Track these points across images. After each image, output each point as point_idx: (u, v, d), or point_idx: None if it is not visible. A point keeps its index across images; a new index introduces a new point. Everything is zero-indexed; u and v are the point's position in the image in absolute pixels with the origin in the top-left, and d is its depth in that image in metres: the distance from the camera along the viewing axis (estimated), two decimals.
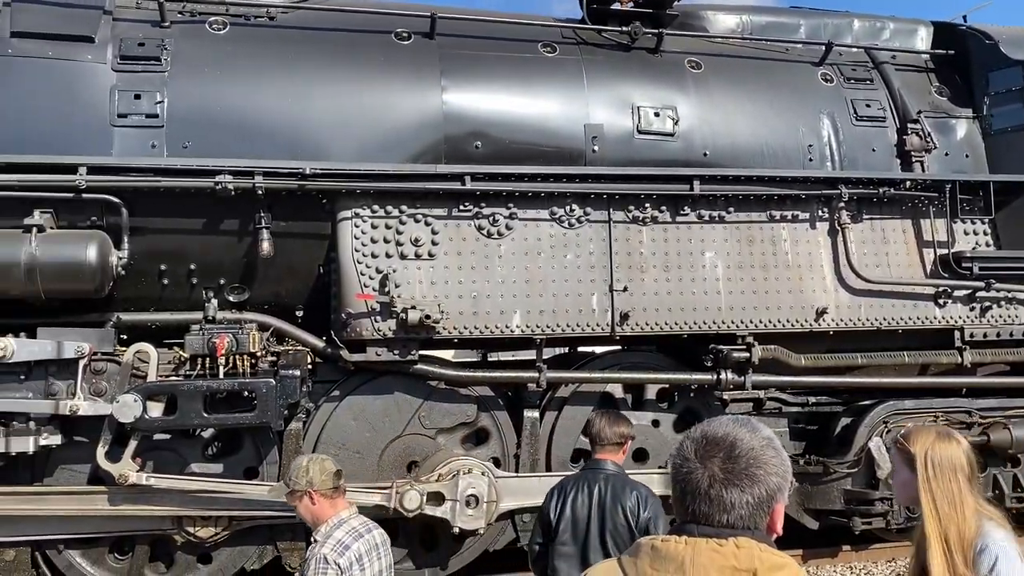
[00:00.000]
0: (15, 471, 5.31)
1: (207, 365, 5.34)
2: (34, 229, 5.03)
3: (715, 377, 6.09)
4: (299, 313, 5.96)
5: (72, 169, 5.14)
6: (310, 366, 5.65)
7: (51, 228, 5.15)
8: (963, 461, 2.62)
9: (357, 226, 5.63)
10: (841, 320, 6.29)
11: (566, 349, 7.31)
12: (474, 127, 5.90)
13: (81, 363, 5.14)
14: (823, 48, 6.97)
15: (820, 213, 6.36)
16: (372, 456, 5.75)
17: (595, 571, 1.76)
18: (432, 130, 5.84)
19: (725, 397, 6.21)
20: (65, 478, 5.41)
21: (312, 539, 3.60)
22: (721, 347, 6.08)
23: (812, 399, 6.59)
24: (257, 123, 5.57)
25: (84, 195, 5.16)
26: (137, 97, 5.36)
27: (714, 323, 6.10)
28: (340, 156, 5.69)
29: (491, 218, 5.80)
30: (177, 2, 5.71)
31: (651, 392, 6.35)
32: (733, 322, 6.10)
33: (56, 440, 5.17)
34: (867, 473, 6.26)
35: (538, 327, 5.79)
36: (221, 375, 5.27)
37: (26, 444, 5.05)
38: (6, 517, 5.18)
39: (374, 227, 5.66)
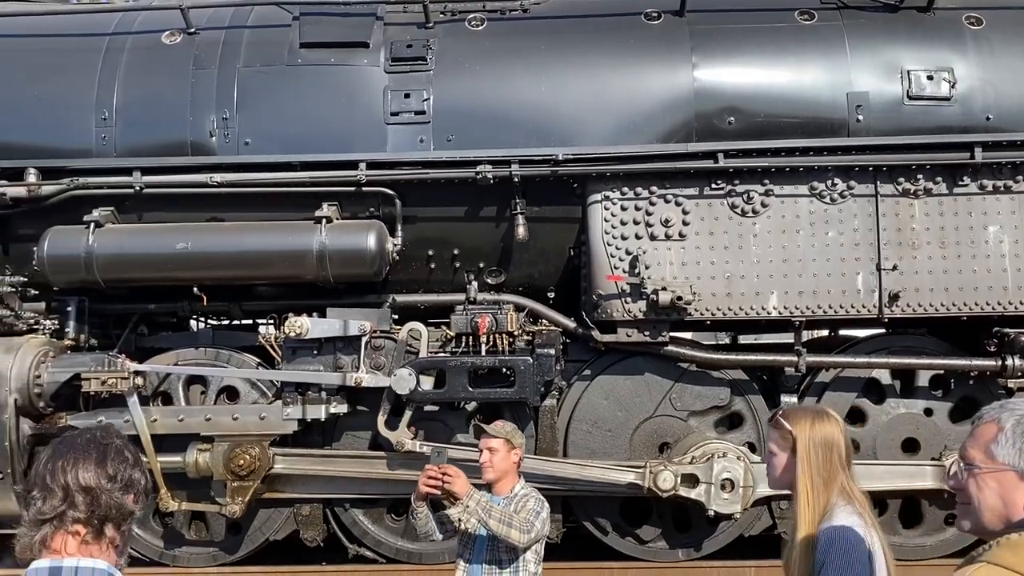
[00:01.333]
0: (309, 435, 5.99)
1: (470, 343, 5.70)
2: (323, 220, 5.62)
3: (999, 363, 5.52)
4: (551, 294, 6.17)
5: (354, 165, 5.67)
6: (562, 345, 5.84)
7: (337, 219, 5.73)
8: (840, 440, 2.51)
9: (607, 208, 5.72)
10: None
11: (825, 332, 6.96)
12: (727, 102, 5.76)
13: (363, 340, 5.68)
14: None
15: None
16: (623, 435, 5.84)
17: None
18: (683, 108, 5.77)
19: (1011, 385, 5.61)
20: (350, 443, 6.02)
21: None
22: (1007, 330, 5.50)
23: None
24: (513, 113, 5.82)
25: (364, 188, 5.68)
26: (407, 96, 5.79)
27: (999, 304, 5.52)
28: (590, 140, 5.79)
29: (745, 195, 5.65)
30: (439, 3, 6.08)
31: (923, 379, 5.88)
32: (1022, 303, 5.49)
33: (343, 409, 5.76)
34: None
35: (796, 308, 5.56)
36: (483, 352, 5.61)
37: (319, 412, 5.69)
38: (302, 476, 5.88)
39: (624, 209, 5.72)
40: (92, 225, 5.62)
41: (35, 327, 5.91)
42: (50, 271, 5.68)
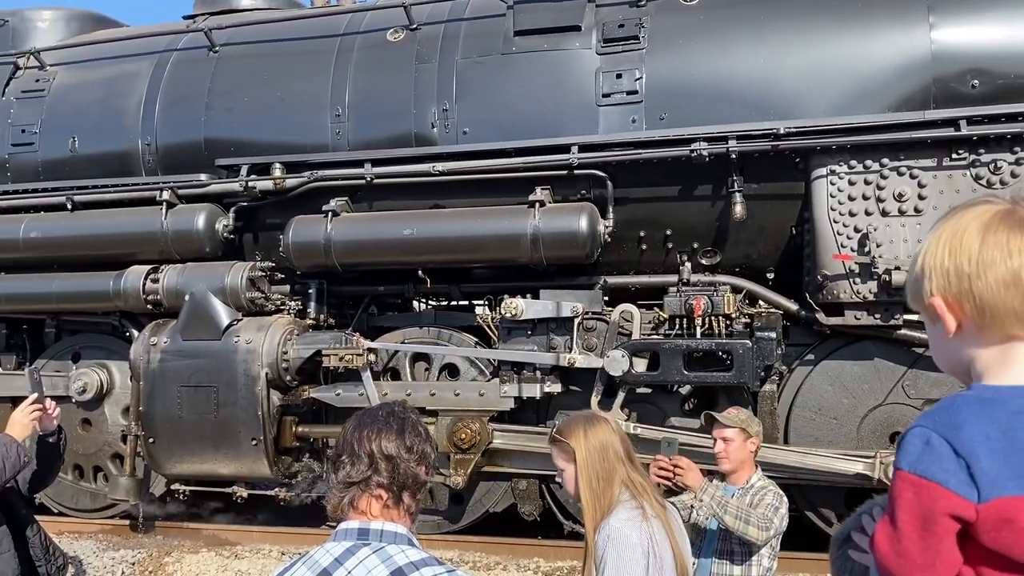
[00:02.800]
0: (524, 413, 6.18)
1: (684, 325, 5.62)
2: (536, 204, 5.75)
3: None
4: (769, 275, 5.94)
5: (566, 149, 5.74)
6: (782, 328, 5.61)
7: (549, 202, 5.83)
8: (612, 439, 2.54)
9: (833, 183, 5.40)
10: None
11: None
12: (970, 64, 5.25)
13: (575, 321, 5.76)
14: None
15: None
16: (850, 423, 5.53)
17: None
18: (918, 73, 5.32)
19: None
20: None
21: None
22: None
23: None
24: (729, 88, 5.63)
25: (575, 171, 5.74)
26: (619, 76, 5.77)
27: None
28: (813, 112, 5.49)
29: (991, 166, 5.13)
30: None
31: None
32: None
33: (556, 388, 5.88)
34: None
35: None
36: (698, 335, 5.51)
37: (534, 390, 5.85)
38: (519, 451, 6.07)
39: (851, 183, 5.38)
40: (329, 214, 6.09)
41: (281, 308, 6.52)
42: (294, 256, 6.23)
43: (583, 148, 5.73)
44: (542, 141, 5.83)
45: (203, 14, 7.29)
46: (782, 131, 5.32)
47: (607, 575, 2.34)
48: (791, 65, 5.58)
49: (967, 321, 1.17)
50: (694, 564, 3.64)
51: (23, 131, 7.14)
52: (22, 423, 3.04)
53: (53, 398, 3.73)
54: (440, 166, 5.95)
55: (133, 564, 6.07)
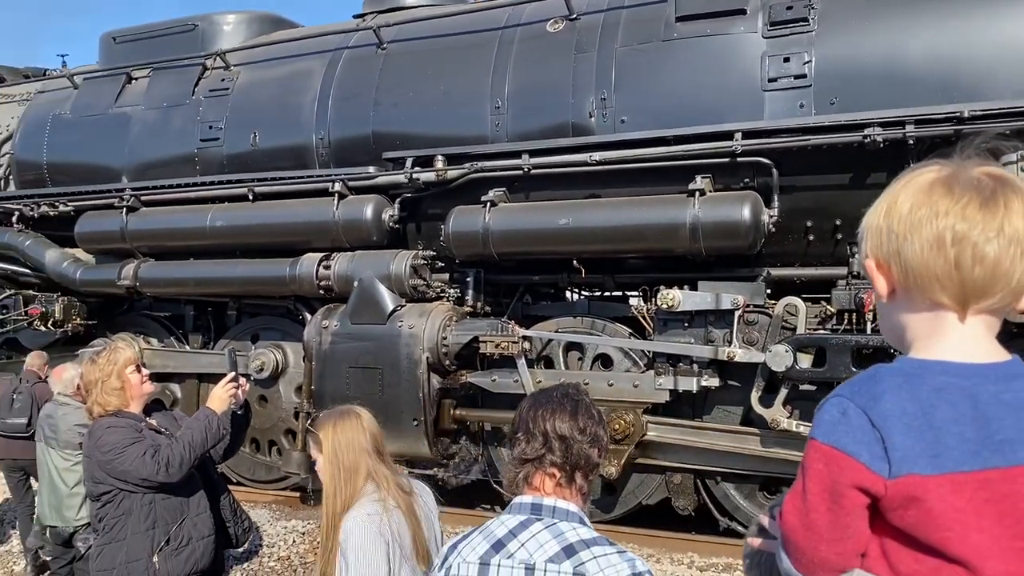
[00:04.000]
0: (679, 407, 6.09)
1: (853, 320, 5.35)
2: (696, 193, 5.63)
3: None
4: None
5: (728, 136, 5.59)
6: None
7: (710, 191, 5.70)
8: (358, 435, 2.59)
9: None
10: None
11: None
12: None
13: (736, 314, 5.61)
14: None
15: None
16: None
17: None
18: None
19: None
20: (720, 417, 6.01)
21: None
22: None
23: None
24: (906, 70, 5.29)
25: (739, 159, 5.57)
26: (786, 60, 5.55)
27: None
28: (1002, 93, 5.08)
29: None
30: None
31: None
32: None
33: (714, 382, 5.75)
34: None
35: None
36: (868, 330, 5.23)
37: (690, 383, 5.75)
38: (674, 445, 5.99)
39: None
40: (488, 204, 6.22)
41: (441, 295, 6.73)
42: (454, 245, 6.41)
43: (747, 135, 5.55)
44: (703, 128, 5.69)
45: (372, 12, 7.61)
46: (966, 114, 4.95)
47: (349, 565, 2.38)
48: (979, 44, 5.17)
49: (898, 286, 1.12)
50: None
51: (210, 127, 7.72)
52: (221, 398, 3.29)
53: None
54: (597, 155, 5.94)
55: (303, 534, 6.46)
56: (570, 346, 6.44)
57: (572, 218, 5.95)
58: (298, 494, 7.43)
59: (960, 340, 1.08)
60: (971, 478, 0.99)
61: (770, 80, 5.61)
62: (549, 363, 6.48)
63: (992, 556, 0.96)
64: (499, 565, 1.65)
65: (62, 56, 9.83)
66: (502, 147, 6.35)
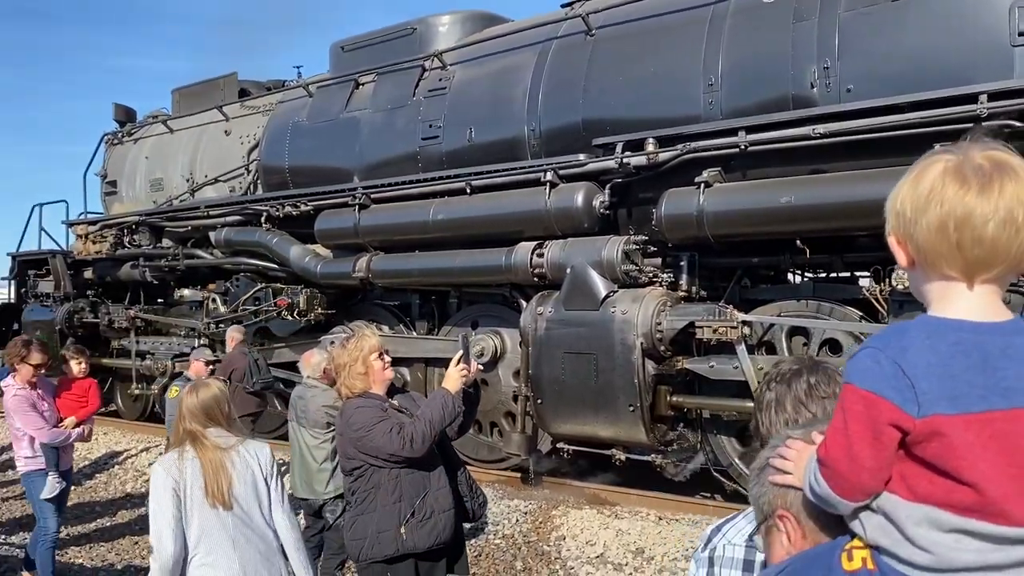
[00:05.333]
0: None
1: None
2: None
3: None
4: None
5: (971, 98, 5.08)
6: None
7: None
8: (191, 400, 3.31)
9: None
10: None
11: None
12: None
13: None
14: None
15: None
16: None
17: None
18: None
19: None
20: None
21: None
22: None
23: None
24: None
25: (984, 123, 5.05)
26: None
27: None
28: None
29: None
30: None
31: None
32: None
33: None
34: None
35: None
36: None
37: None
38: None
39: None
40: (702, 185, 6.08)
41: (654, 280, 6.67)
42: (667, 229, 6.33)
43: (993, 96, 5.02)
44: (941, 92, 5.21)
45: (580, 0, 7.66)
46: None
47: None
48: None
49: (916, 259, 1.28)
50: None
51: (430, 126, 8.13)
52: (455, 378, 3.48)
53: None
54: (821, 128, 5.61)
55: (525, 514, 6.68)
56: (794, 331, 6.16)
57: (795, 195, 5.68)
58: (519, 475, 7.68)
59: (969, 304, 1.26)
60: (979, 418, 1.19)
61: (1020, 34, 5.03)
62: (771, 349, 6.24)
63: (994, 480, 1.18)
64: None
65: (297, 67, 10.74)
66: (717, 125, 6.18)
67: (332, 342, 8.15)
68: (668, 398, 6.50)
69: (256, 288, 9.55)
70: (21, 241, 13.44)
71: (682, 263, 6.66)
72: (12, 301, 13.77)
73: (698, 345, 6.37)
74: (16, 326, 12.86)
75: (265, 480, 3.27)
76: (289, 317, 9.03)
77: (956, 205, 1.21)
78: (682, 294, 6.59)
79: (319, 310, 9.03)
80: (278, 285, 9.39)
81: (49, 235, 13.10)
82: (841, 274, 6.75)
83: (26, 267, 13.29)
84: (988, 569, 1.20)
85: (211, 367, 6.96)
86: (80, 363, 6.39)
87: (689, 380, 6.61)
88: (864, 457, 1.24)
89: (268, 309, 9.27)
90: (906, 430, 1.21)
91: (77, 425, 5.92)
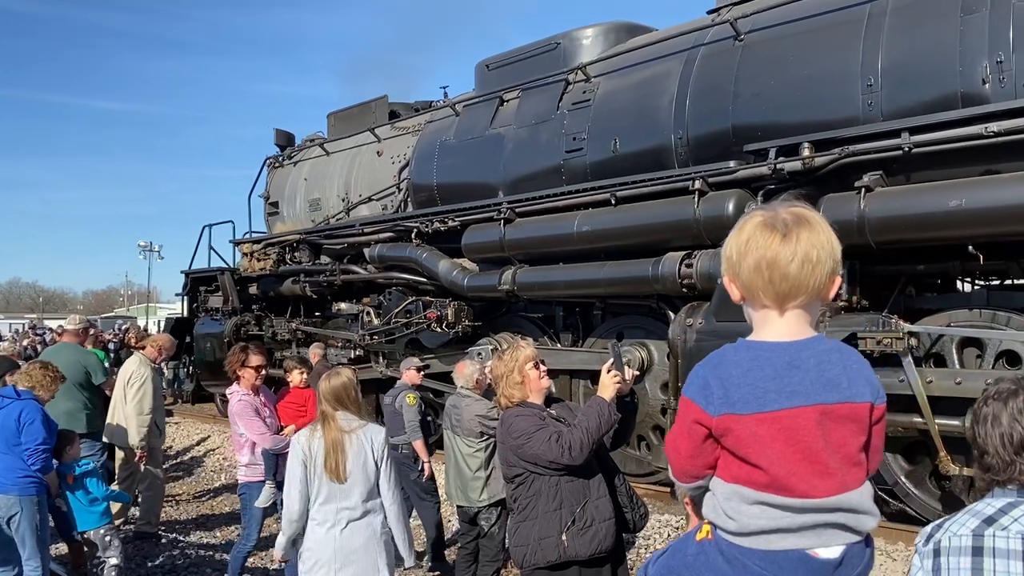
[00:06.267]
0: None
1: None
2: None
3: None
4: None
5: None
6: None
7: None
8: (325, 386, 3.99)
9: None
10: None
11: None
12: None
13: None
14: None
15: None
16: None
17: None
18: None
19: None
20: None
21: None
22: None
23: None
24: None
25: None
26: None
27: None
28: None
29: None
30: None
31: None
32: None
33: None
34: None
35: None
36: None
37: None
38: None
39: None
40: (863, 190, 5.80)
41: None
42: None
43: None
44: None
45: (727, 5, 7.52)
46: None
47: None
48: None
49: (742, 293, 1.63)
50: None
51: (574, 138, 8.19)
52: (608, 386, 3.49)
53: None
54: (994, 126, 5.26)
55: (676, 529, 6.56)
56: (966, 342, 5.77)
57: (966, 198, 5.33)
58: (668, 489, 7.55)
59: (778, 327, 1.61)
60: (771, 415, 1.54)
61: None
62: (940, 361, 5.87)
63: (780, 463, 1.53)
64: (994, 536, 1.72)
65: (444, 88, 11.10)
66: (877, 127, 5.89)
67: (479, 353, 8.35)
68: None
69: (407, 301, 9.89)
70: (193, 259, 14.52)
71: (842, 271, 6.36)
72: (185, 315, 14.90)
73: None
74: (188, 339, 13.90)
75: (375, 461, 3.84)
76: (438, 329, 9.30)
77: (766, 251, 1.56)
78: (842, 304, 6.29)
79: (466, 322, 9.25)
80: (427, 298, 9.69)
81: (218, 253, 14.10)
82: (1018, 281, 6.27)
83: (198, 284, 14.33)
84: (780, 532, 1.54)
85: (421, 371, 7.06)
86: (302, 372, 6.44)
87: None
88: (682, 447, 1.65)
89: (418, 321, 9.59)
90: (707, 427, 1.59)
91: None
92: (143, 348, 8.02)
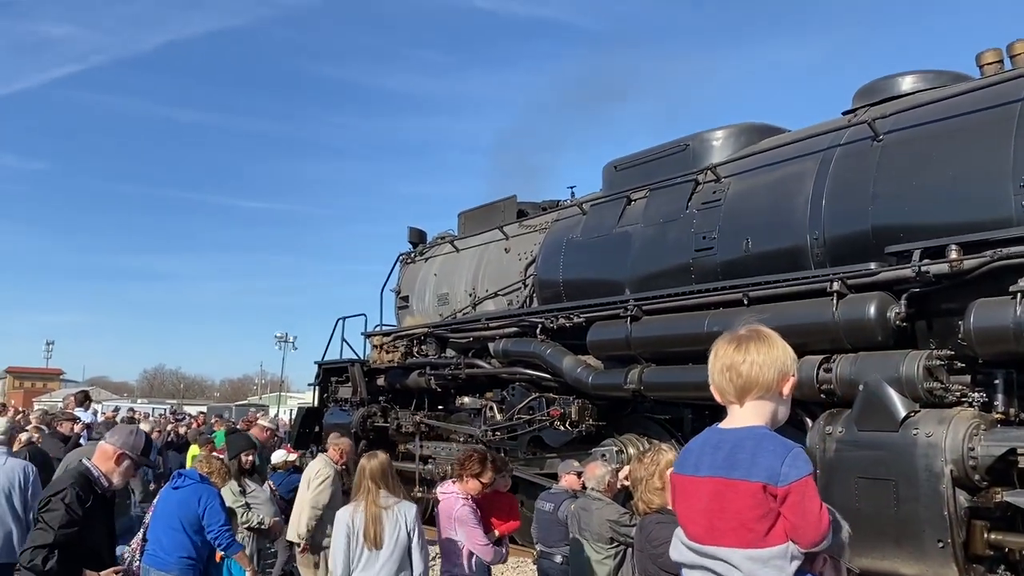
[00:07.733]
0: None
1: None
2: None
3: None
4: None
5: None
6: None
7: None
8: (366, 464, 4.88)
9: None
10: None
11: None
12: None
13: None
14: None
15: None
16: None
17: None
18: None
19: None
20: None
21: None
22: None
23: None
24: None
25: None
26: None
27: None
28: None
29: None
30: None
31: None
32: None
33: None
34: None
35: None
36: None
37: None
38: None
39: None
40: (1019, 295, 5.47)
41: (962, 399, 6.01)
42: (977, 343, 5.72)
43: None
44: None
45: (863, 106, 7.42)
46: None
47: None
48: None
49: (719, 393, 2.29)
50: None
51: (704, 237, 8.14)
52: None
53: None
54: None
55: None
56: None
57: None
58: None
59: (734, 417, 2.23)
60: (683, 479, 2.24)
61: None
62: None
63: (681, 512, 2.26)
64: None
65: (571, 188, 11.37)
66: None
67: (603, 455, 8.20)
68: (985, 535, 5.71)
69: (531, 397, 9.89)
70: (326, 350, 15.07)
71: (996, 381, 5.96)
72: (315, 405, 15.38)
73: (1019, 475, 5.60)
74: (317, 428, 14.31)
75: (408, 533, 4.63)
76: (561, 427, 9.22)
77: (727, 358, 2.22)
78: (998, 416, 5.86)
79: (590, 421, 9.13)
80: (551, 395, 9.65)
81: (350, 345, 14.59)
82: None
83: (329, 374, 14.83)
84: (684, 565, 2.20)
85: (580, 476, 6.47)
86: (505, 476, 6.12)
87: (1010, 515, 5.79)
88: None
89: (541, 418, 9.54)
90: (673, 483, 2.32)
91: (498, 542, 5.47)
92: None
